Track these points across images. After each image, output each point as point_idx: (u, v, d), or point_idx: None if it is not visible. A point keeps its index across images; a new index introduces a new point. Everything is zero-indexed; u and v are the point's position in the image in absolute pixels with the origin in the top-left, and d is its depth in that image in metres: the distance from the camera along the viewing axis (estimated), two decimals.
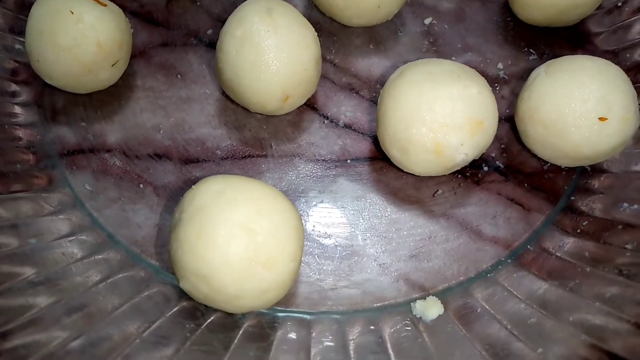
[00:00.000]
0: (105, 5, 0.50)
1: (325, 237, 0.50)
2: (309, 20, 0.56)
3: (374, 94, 0.58)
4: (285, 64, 0.48)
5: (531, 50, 0.60)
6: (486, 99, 0.46)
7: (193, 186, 0.43)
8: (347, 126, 0.56)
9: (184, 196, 0.43)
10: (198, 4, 0.62)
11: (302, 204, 0.52)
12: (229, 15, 0.52)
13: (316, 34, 0.52)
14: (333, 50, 0.60)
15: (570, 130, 0.46)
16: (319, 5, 0.59)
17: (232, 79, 0.50)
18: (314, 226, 0.51)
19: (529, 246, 0.50)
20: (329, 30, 0.60)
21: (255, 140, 0.55)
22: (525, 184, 0.53)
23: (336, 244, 0.50)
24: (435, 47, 0.60)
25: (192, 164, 0.54)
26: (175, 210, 0.43)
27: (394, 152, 0.48)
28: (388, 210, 0.52)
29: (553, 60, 0.50)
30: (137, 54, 0.59)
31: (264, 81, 0.48)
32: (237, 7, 0.61)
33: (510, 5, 0.60)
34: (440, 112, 0.44)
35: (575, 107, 0.46)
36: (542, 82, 0.48)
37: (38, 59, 0.49)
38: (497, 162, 0.54)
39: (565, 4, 0.55)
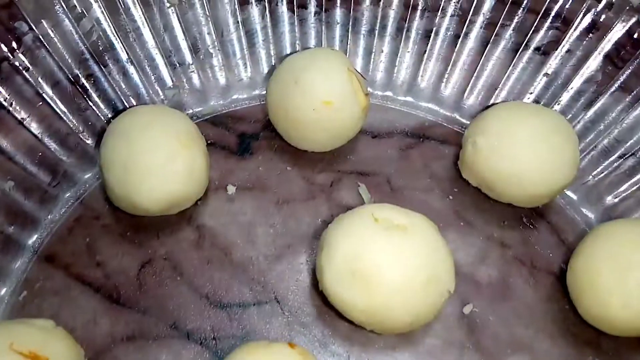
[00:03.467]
0: None
1: None
2: (316, 304, 0.44)
3: None
4: None
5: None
6: None
7: None
8: None
9: None
10: (178, 276, 0.49)
11: None
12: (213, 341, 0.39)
13: None
14: (349, 350, 0.47)
15: None
16: (335, 307, 0.46)
17: None
18: None
19: None
20: (344, 323, 0.47)
21: None
22: None
23: None
24: (479, 345, 0.48)
25: None
26: None
27: None
28: None
29: None
30: (95, 358, 0.45)
31: None
32: (224, 277, 0.49)
33: (575, 306, 0.48)
34: None
35: None
36: None
37: None
38: None
39: None
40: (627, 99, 0.55)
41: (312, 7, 0.59)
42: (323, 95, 0.50)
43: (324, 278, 0.44)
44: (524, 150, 0.48)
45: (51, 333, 0.39)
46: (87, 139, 0.54)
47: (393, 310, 0.42)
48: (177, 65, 0.57)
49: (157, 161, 0.46)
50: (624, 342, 0.48)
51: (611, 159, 0.55)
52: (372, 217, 0.44)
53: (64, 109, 0.52)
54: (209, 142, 0.56)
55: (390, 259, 0.42)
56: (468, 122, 0.59)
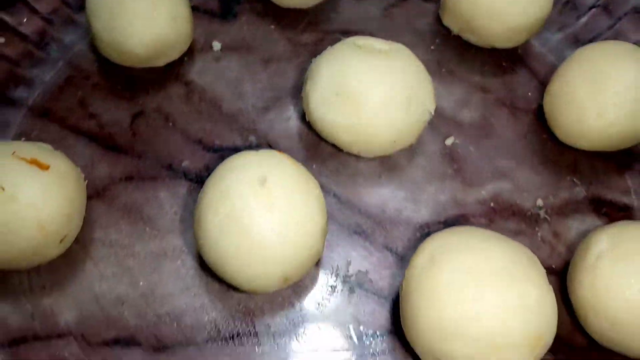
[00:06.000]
0: (48, 168, 0.39)
1: None
2: (306, 144, 0.46)
3: (388, 241, 0.47)
4: (284, 248, 0.37)
5: (575, 179, 0.50)
6: (548, 306, 0.36)
7: None
8: (359, 286, 0.45)
9: None
10: (170, 124, 0.51)
11: None
12: (208, 176, 0.41)
13: (322, 194, 0.41)
14: (339, 182, 0.49)
15: None
16: (321, 135, 0.48)
17: (215, 261, 0.39)
18: None
19: None
20: (331, 156, 0.50)
21: (245, 314, 0.44)
22: None
23: None
24: (461, 175, 0.50)
25: (167, 351, 0.43)
26: None
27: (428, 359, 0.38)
28: None
29: (615, 230, 0.40)
30: (95, 195, 0.47)
31: (257, 268, 0.38)
32: (217, 126, 0.51)
33: (552, 129, 0.50)
34: (490, 327, 0.34)
35: None
36: (607, 268, 0.38)
37: None
38: None
39: (620, 134, 0.46)
40: None
41: None
42: None
43: (309, 104, 0.45)
44: None
45: (51, 152, 0.41)
46: None
47: (377, 127, 0.44)
48: None
49: (143, 6, 0.47)
50: (599, 162, 0.51)
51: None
52: (355, 45, 0.45)
53: None
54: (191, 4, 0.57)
55: (372, 78, 0.43)
56: None
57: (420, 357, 0.39)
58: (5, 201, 0.36)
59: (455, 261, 0.36)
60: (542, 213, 0.49)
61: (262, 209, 0.37)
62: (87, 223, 0.46)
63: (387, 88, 0.43)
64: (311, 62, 0.48)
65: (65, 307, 0.43)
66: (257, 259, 0.37)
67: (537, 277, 0.36)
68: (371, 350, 0.43)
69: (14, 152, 0.38)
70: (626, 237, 0.39)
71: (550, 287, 0.37)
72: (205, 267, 0.45)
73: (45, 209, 0.37)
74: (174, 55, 0.51)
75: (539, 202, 0.49)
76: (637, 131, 0.45)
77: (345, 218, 0.48)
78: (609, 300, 0.37)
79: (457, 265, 0.36)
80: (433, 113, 0.46)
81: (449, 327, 0.35)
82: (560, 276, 0.46)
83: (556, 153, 0.51)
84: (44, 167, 0.38)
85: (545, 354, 0.43)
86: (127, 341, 0.43)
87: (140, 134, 0.50)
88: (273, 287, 0.40)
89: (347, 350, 0.43)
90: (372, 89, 0.43)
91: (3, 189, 0.36)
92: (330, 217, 0.47)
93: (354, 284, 0.45)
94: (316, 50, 0.56)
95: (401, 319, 0.40)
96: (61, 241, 0.40)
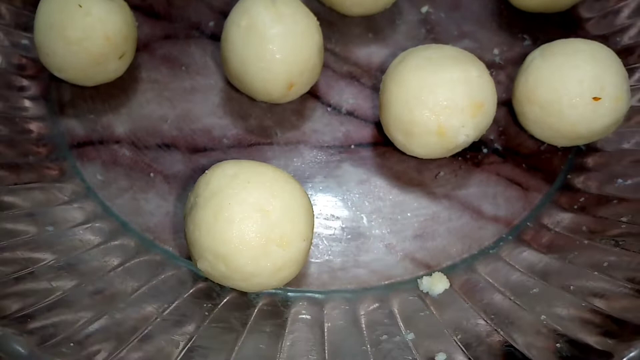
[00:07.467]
0: None
1: (332, 220, 0.52)
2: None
3: (374, 82, 0.59)
4: (289, 53, 0.50)
5: (525, 36, 0.62)
6: (486, 82, 0.47)
7: (207, 171, 0.44)
8: (350, 113, 0.57)
9: (198, 181, 0.44)
10: None
11: (308, 189, 0.54)
12: (232, 7, 0.53)
13: (318, 23, 0.54)
14: (333, 40, 0.61)
15: (566, 110, 0.48)
16: None
17: (238, 68, 0.51)
18: (320, 210, 0.53)
19: (528, 223, 0.52)
20: (329, 20, 0.62)
21: (261, 129, 0.56)
22: (523, 165, 0.55)
23: (343, 226, 0.52)
24: (433, 34, 0.62)
25: (200, 153, 0.55)
26: (189, 195, 0.44)
27: (398, 136, 0.50)
28: (392, 193, 0.53)
29: (548, 44, 0.52)
30: (141, 47, 0.60)
31: (270, 70, 0.50)
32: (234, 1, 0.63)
33: None
34: (442, 95, 0.46)
35: (570, 88, 0.48)
36: (538, 65, 0.50)
37: (47, 53, 0.50)
38: (495, 145, 0.56)
39: None
40: None
41: None
42: None
43: None
44: None
45: None
46: None
47: None
48: None
49: None
50: (548, 25, 0.62)
51: None
52: None
53: None
54: None
55: None
56: None
57: (394, 140, 0.51)
58: (83, 15, 0.49)
59: (418, 54, 0.48)
60: (497, 59, 0.60)
61: (273, 21, 0.49)
62: (135, 66, 0.58)
63: None
64: None
65: (120, 122, 0.56)
66: (269, 64, 0.49)
67: (478, 63, 0.48)
68: (359, 154, 0.55)
69: None
70: (556, 44, 0.50)
71: (488, 72, 0.49)
72: (229, 99, 0.57)
73: (110, 25, 0.50)
74: None
75: (495, 51, 0.61)
76: None
77: (339, 67, 0.60)
78: (538, 88, 0.49)
79: (419, 56, 0.48)
80: None
81: (412, 98, 0.47)
82: (510, 107, 0.57)
83: (512, 18, 0.63)
84: None
85: (496, 158, 0.55)
86: (169, 145, 0.55)
87: (175, 5, 0.63)
88: (281, 92, 0.52)
89: (341, 153, 0.55)
90: None
91: (80, 6, 0.49)
92: (327, 67, 0.59)
93: (345, 111, 0.58)
94: None
95: (380, 112, 0.52)
96: (120, 57, 0.52)
